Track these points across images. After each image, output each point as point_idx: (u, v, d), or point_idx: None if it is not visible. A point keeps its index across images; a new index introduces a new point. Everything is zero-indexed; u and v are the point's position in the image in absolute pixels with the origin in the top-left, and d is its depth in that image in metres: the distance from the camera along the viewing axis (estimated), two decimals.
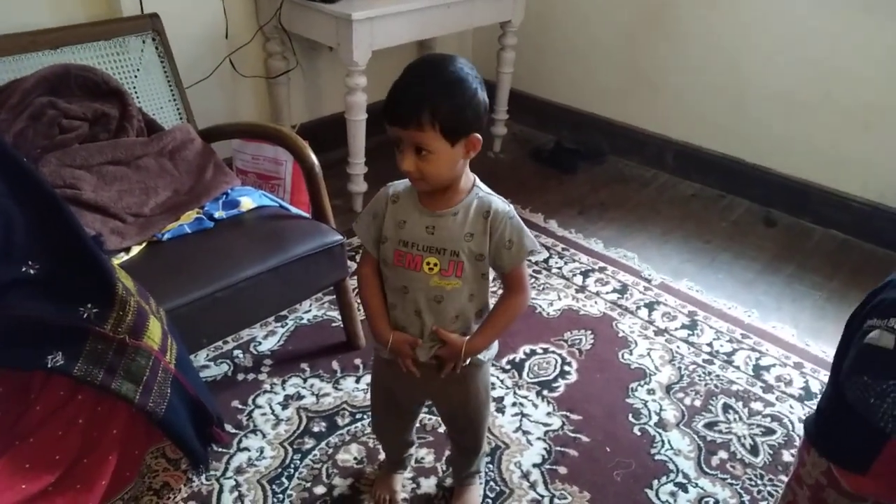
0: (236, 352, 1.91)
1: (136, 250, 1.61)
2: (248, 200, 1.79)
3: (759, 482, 1.60)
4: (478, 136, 1.10)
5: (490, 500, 1.54)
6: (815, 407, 1.12)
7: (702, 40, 2.76)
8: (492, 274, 1.21)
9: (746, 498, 1.57)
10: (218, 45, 2.38)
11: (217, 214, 1.73)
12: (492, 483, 1.58)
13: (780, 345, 2.03)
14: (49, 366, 1.15)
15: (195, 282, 1.51)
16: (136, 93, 1.92)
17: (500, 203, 1.16)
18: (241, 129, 2.12)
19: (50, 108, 1.63)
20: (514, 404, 1.79)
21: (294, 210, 1.87)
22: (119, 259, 1.55)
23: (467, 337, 1.20)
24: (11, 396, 1.21)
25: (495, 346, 1.30)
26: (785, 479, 1.60)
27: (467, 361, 1.22)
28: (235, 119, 2.54)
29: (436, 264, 1.15)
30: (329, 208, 1.82)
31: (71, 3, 2.03)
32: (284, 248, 1.65)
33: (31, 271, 1.19)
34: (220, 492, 1.52)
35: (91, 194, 1.61)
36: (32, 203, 1.20)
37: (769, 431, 1.74)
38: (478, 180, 1.18)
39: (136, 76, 1.95)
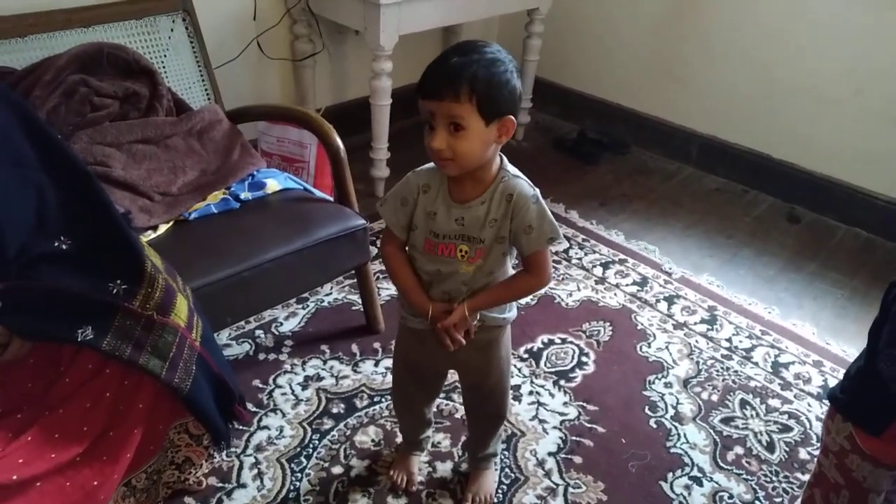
0: (258, 332, 1.93)
1: (163, 228, 1.63)
2: (274, 182, 1.80)
3: (774, 479, 1.61)
4: (513, 118, 1.09)
5: (505, 487, 1.55)
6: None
7: (729, 34, 2.72)
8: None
9: (761, 494, 1.57)
10: (246, 26, 2.39)
11: (243, 195, 1.75)
12: (507, 470, 1.59)
13: (799, 342, 2.02)
14: (79, 339, 1.17)
15: (221, 261, 1.53)
16: (164, 72, 1.94)
17: (525, 187, 1.15)
18: (268, 111, 2.13)
19: (82, 86, 1.66)
20: (531, 393, 1.80)
21: (318, 193, 1.88)
22: (147, 237, 1.58)
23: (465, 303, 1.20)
24: (42, 368, 1.24)
25: (514, 309, 1.30)
26: (801, 476, 1.61)
27: (476, 318, 1.22)
28: (260, 100, 2.56)
29: (466, 251, 1.17)
30: (353, 192, 1.84)
31: None
32: (309, 230, 1.67)
33: (63, 246, 1.21)
34: (241, 468, 1.55)
35: (121, 172, 1.63)
36: (66, 179, 1.22)
37: (786, 429, 1.74)
38: (506, 162, 1.17)
39: (165, 55, 1.97)
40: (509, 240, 1.17)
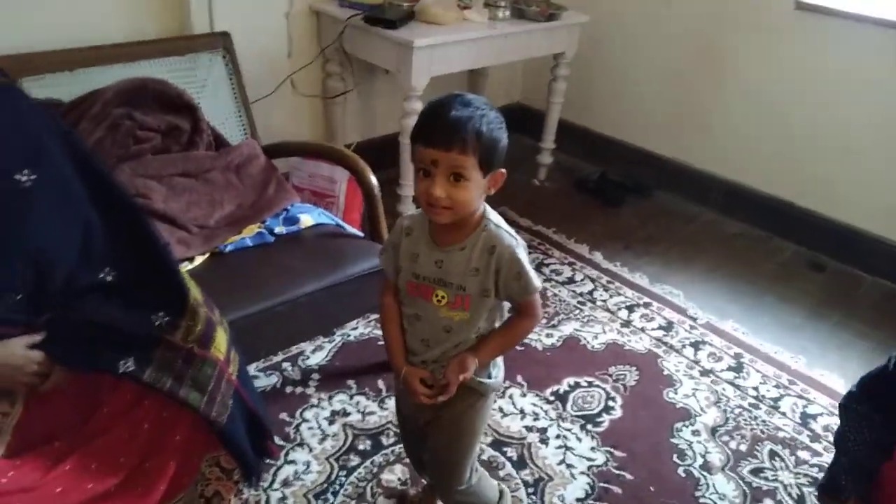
0: (285, 364, 1.94)
1: (199, 260, 1.65)
2: (308, 218, 1.83)
3: None
4: (503, 171, 1.12)
5: None
6: None
7: (753, 81, 2.76)
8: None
9: None
10: (280, 64, 2.45)
11: (277, 230, 1.78)
12: None
13: (827, 393, 2.01)
14: (120, 371, 1.18)
15: (257, 295, 1.55)
16: (203, 107, 1.98)
17: (507, 238, 1.15)
18: (305, 147, 2.18)
19: (127, 120, 1.70)
20: (557, 436, 1.79)
21: (350, 229, 1.91)
22: (183, 268, 1.59)
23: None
24: (81, 398, 1.24)
25: (501, 376, 1.29)
26: None
27: (470, 371, 1.18)
28: (291, 135, 2.60)
29: (443, 296, 1.16)
30: (385, 229, 1.86)
31: (146, 20, 2.09)
32: (342, 267, 1.69)
33: (108, 278, 1.23)
34: (268, 503, 1.54)
35: (161, 204, 1.66)
36: (114, 212, 1.24)
37: (816, 482, 1.71)
38: (489, 211, 1.17)
39: (204, 91, 2.01)
40: (498, 292, 1.16)
